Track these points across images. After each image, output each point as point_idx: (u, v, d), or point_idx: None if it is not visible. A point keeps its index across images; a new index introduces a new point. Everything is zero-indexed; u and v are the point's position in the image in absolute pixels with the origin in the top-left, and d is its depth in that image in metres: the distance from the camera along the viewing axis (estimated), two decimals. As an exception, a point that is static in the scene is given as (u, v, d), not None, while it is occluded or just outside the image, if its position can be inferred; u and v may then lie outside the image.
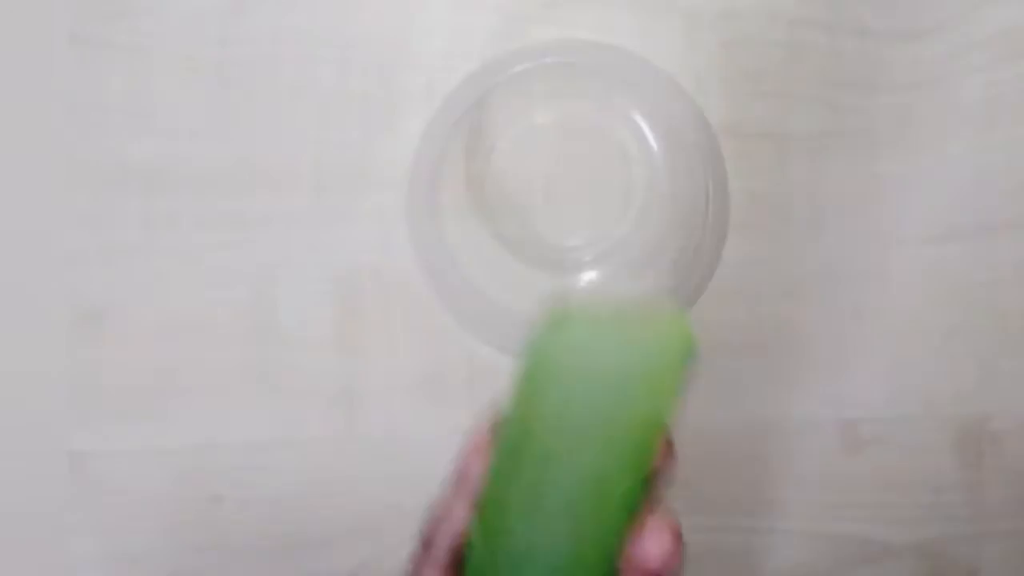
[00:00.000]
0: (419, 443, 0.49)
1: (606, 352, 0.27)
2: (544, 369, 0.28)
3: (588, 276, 0.48)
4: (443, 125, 0.43)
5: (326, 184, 0.50)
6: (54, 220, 0.50)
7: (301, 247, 0.50)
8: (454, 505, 0.29)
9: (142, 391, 0.49)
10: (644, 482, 0.28)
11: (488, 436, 0.29)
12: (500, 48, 0.50)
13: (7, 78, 0.50)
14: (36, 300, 0.50)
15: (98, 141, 0.50)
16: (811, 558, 0.50)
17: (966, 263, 0.50)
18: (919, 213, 0.50)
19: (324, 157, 0.50)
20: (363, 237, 0.49)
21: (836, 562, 0.50)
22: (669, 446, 0.29)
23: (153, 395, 0.49)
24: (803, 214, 0.50)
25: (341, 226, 0.50)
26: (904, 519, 0.49)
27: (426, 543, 0.30)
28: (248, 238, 0.49)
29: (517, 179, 0.49)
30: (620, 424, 0.27)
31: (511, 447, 0.28)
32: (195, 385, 0.49)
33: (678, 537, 0.28)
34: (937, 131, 0.50)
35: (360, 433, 0.49)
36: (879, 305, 0.50)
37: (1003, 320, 0.50)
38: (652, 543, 0.28)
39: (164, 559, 0.49)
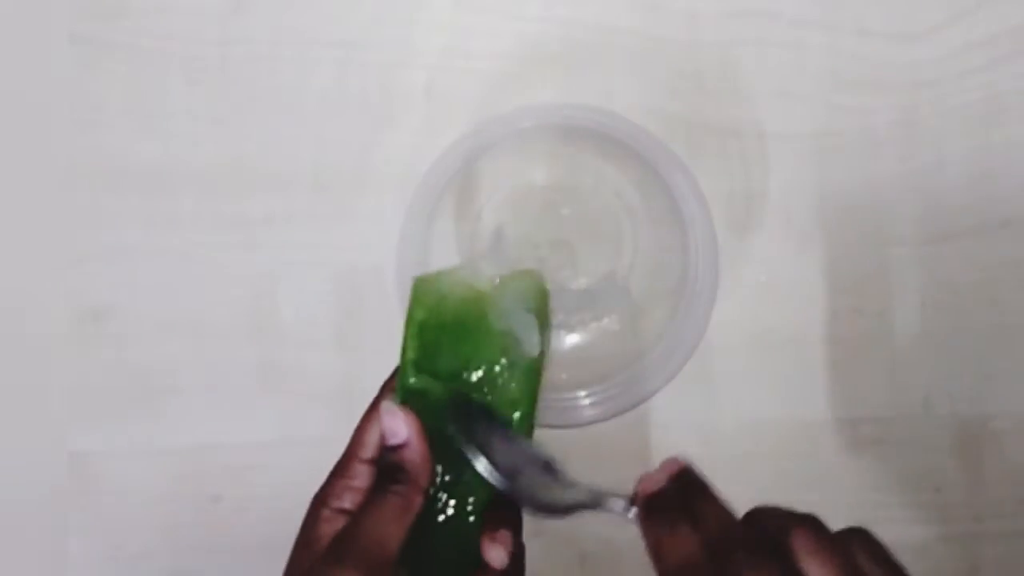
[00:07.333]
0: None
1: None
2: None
3: (573, 339, 0.48)
4: (432, 188, 0.43)
5: (326, 184, 0.50)
6: (54, 220, 0.50)
7: (301, 247, 0.50)
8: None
9: (142, 391, 0.49)
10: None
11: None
12: (499, 47, 0.50)
13: (7, 78, 0.50)
14: (37, 300, 0.50)
15: (98, 141, 0.50)
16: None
17: (966, 263, 0.50)
18: (919, 213, 0.50)
19: (324, 157, 0.50)
20: (363, 237, 0.49)
21: (836, 562, 0.49)
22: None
23: (153, 395, 0.49)
24: (803, 214, 0.50)
25: (341, 226, 0.50)
26: (904, 519, 0.49)
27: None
28: (248, 238, 0.49)
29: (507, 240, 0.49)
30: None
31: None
32: (195, 385, 0.49)
33: None
34: (937, 131, 0.50)
35: (360, 433, 0.49)
36: (879, 305, 0.50)
37: (1002, 320, 0.50)
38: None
39: (164, 559, 0.49)
